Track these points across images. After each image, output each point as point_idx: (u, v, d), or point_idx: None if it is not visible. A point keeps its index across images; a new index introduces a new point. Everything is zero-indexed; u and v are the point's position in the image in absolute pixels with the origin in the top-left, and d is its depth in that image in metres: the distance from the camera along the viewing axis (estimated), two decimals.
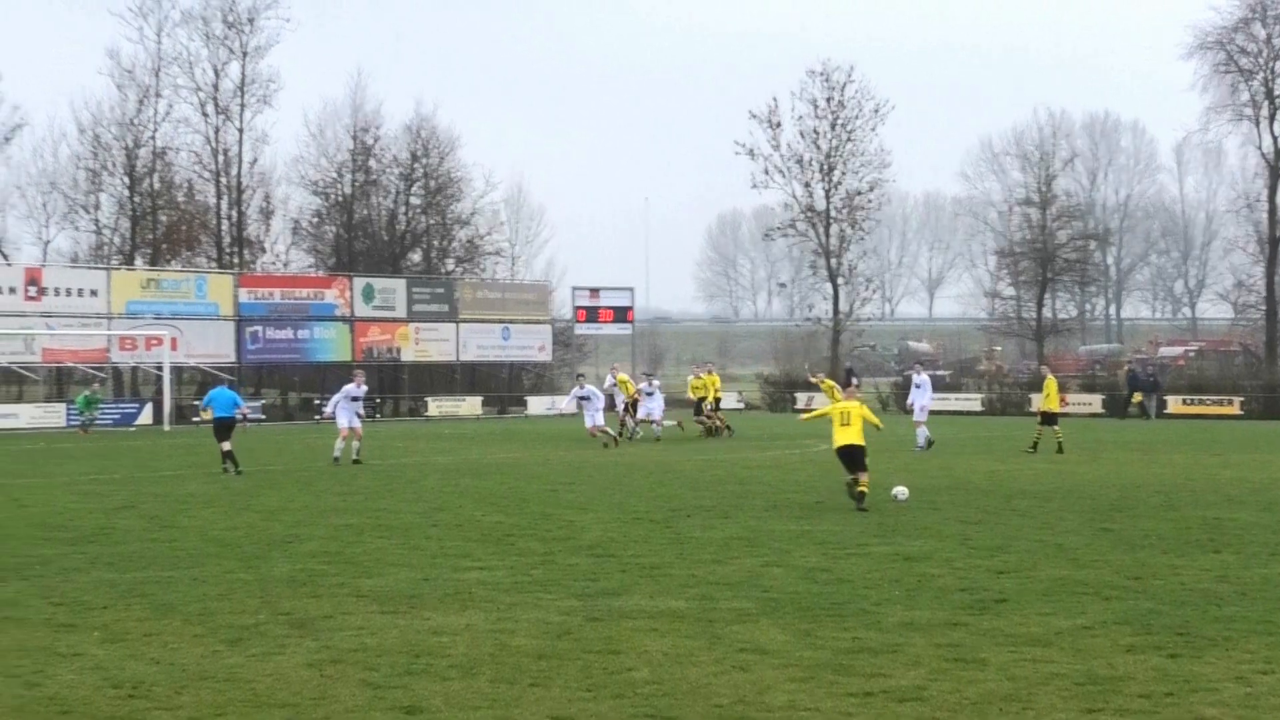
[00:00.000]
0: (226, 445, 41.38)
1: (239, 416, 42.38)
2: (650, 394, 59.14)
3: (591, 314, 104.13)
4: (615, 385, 60.88)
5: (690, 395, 63.25)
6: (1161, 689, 13.03)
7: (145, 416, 78.16)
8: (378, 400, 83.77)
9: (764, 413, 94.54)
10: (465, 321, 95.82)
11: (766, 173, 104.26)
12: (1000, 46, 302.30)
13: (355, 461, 43.82)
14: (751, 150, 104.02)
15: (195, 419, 78.29)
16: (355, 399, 45.24)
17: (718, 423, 59.78)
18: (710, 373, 61.58)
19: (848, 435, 29.23)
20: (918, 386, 51.15)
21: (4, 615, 17.05)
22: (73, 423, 73.32)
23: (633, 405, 58.85)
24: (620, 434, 56.03)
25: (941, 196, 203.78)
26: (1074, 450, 48.07)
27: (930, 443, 48.88)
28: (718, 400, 61.08)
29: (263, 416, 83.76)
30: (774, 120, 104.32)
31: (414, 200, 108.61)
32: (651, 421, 58.55)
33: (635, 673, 13.77)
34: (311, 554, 22.40)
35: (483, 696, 12.92)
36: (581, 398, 55.14)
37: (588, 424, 54.55)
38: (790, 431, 60.81)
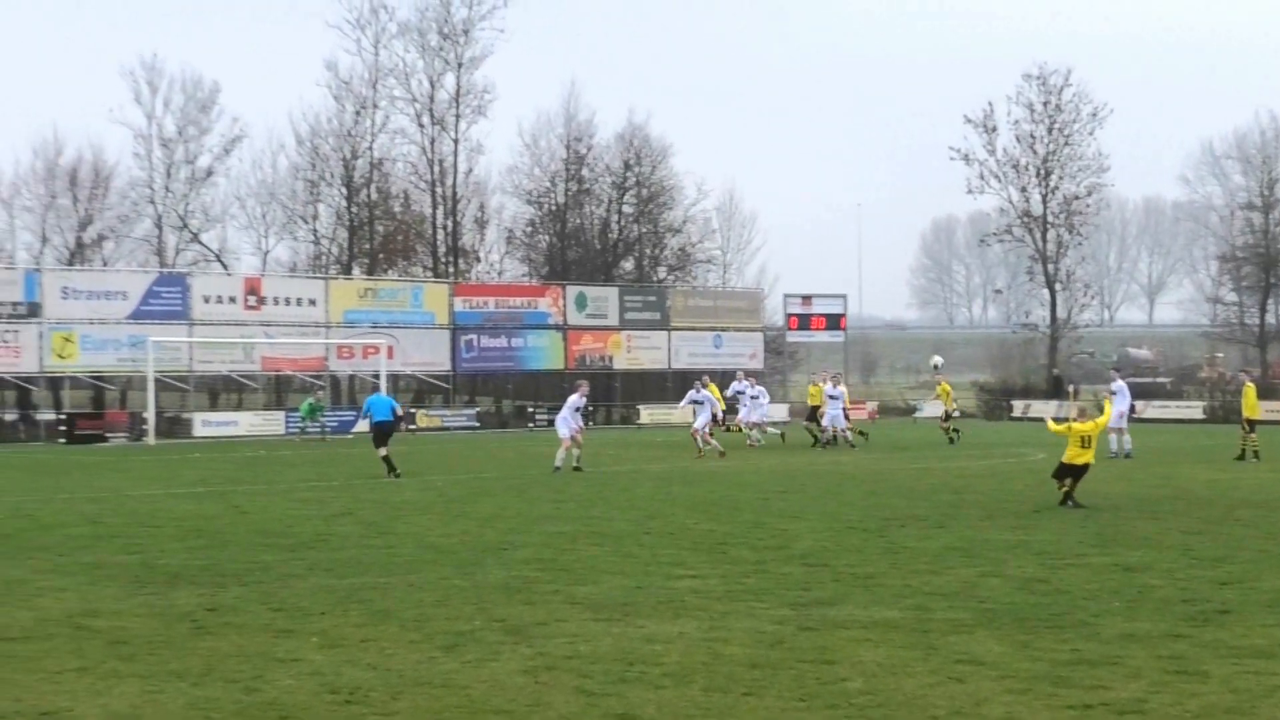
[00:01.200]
0: (383, 450, 42.72)
1: (396, 420, 43.98)
2: (834, 398, 58.81)
3: (804, 321, 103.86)
4: (742, 392, 60.21)
5: (808, 402, 62.56)
6: None
7: (363, 424, 78.98)
8: (590, 408, 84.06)
9: (980, 421, 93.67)
10: (677, 329, 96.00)
11: (982, 178, 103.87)
12: (1220, 47, 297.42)
13: (576, 469, 44.01)
14: (966, 155, 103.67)
15: (410, 427, 79.18)
16: (577, 409, 45.54)
17: (837, 433, 59.06)
18: (839, 382, 61.04)
19: (1084, 456, 30.75)
20: (1114, 393, 50.53)
21: (225, 621, 17.28)
22: (292, 430, 74.43)
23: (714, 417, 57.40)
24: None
25: (1161, 201, 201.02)
26: None
27: (1126, 455, 48.40)
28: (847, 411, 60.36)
29: (477, 424, 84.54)
30: (989, 125, 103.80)
31: (626, 209, 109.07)
32: (839, 430, 58.23)
33: (849, 683, 13.66)
34: (525, 561, 22.49)
35: (696, 705, 12.88)
36: (695, 401, 54.77)
37: (698, 425, 53.83)
38: (1006, 440, 60.14)
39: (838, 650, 15.14)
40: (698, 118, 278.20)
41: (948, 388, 64.32)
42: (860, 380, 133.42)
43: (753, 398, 59.80)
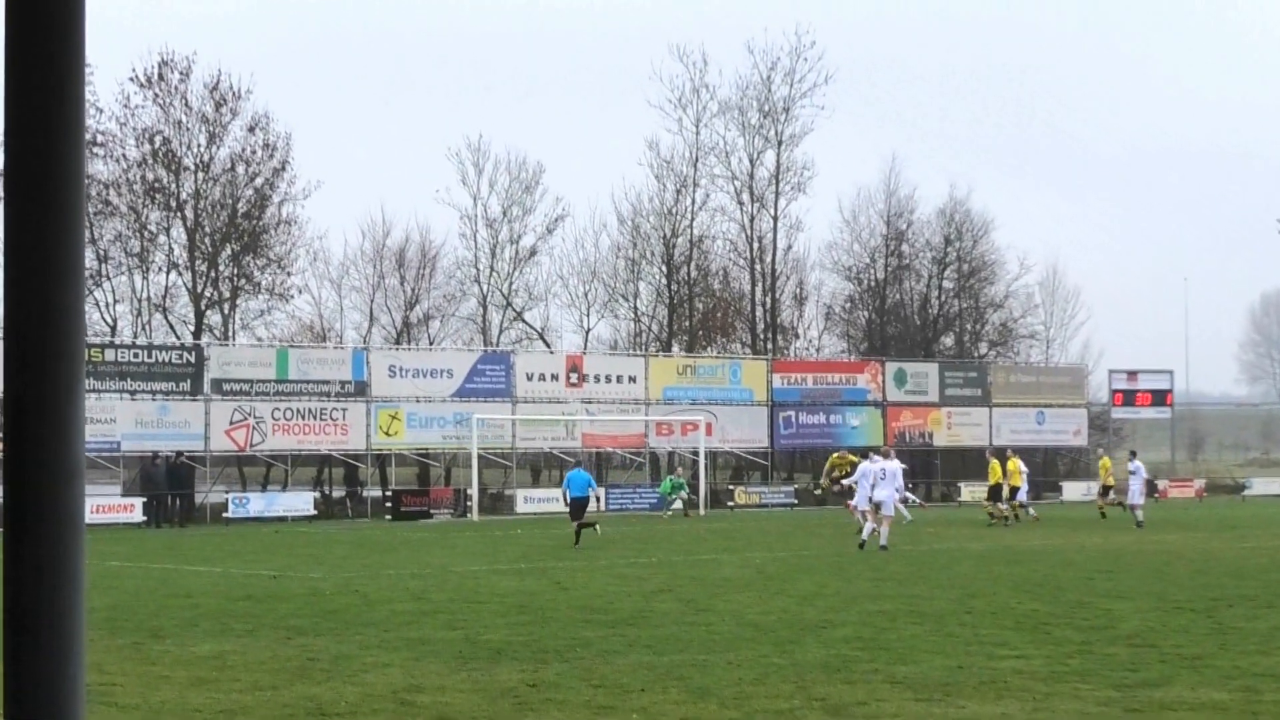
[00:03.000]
0: (576, 523, 47.01)
1: (592, 496, 49.01)
2: (1133, 473, 58.25)
3: (1128, 397, 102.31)
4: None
5: (990, 479, 61.81)
6: None
7: (677, 501, 79.40)
8: (911, 485, 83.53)
9: None
10: (998, 406, 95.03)
11: None
12: None
13: (868, 544, 43.67)
14: None
15: (730, 504, 79.39)
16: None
17: (1003, 512, 58.67)
18: (1010, 457, 60.37)
19: None
20: None
21: (546, 697, 17.42)
22: (655, 508, 74.95)
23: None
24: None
25: None
26: None
27: None
28: (1013, 489, 59.58)
29: (795, 501, 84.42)
30: None
31: (947, 284, 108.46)
32: (1132, 506, 57.57)
33: None
34: (845, 639, 22.37)
35: None
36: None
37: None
38: None
39: None
40: (1020, 191, 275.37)
41: (1108, 463, 64.19)
42: (1187, 458, 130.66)
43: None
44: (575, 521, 47.62)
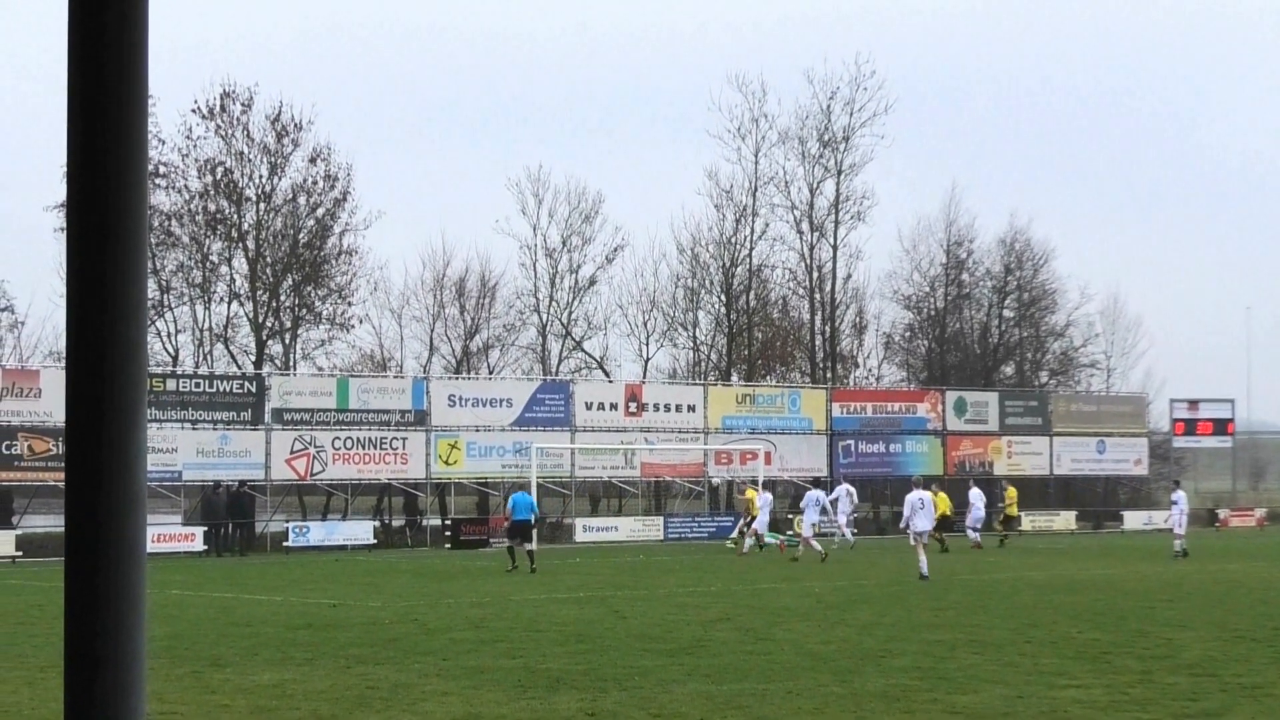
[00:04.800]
0: (528, 546, 48.97)
1: (533, 520, 51.03)
2: (1175, 503, 58.01)
3: (1190, 426, 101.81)
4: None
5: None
6: None
7: (738, 530, 79.33)
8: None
9: None
10: (1059, 435, 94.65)
11: None
12: None
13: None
14: None
15: (789, 532, 79.26)
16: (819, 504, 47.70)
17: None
18: (935, 492, 61.37)
19: None
20: None
21: None
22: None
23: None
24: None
25: None
26: None
27: None
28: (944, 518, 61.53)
29: (854, 530, 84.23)
30: None
31: (1007, 313, 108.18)
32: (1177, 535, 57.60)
33: None
34: (904, 669, 22.32)
35: None
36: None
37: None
38: None
39: None
40: (1081, 219, 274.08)
41: (1014, 493, 66.06)
42: (1249, 486, 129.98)
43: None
44: (512, 543, 49.65)
